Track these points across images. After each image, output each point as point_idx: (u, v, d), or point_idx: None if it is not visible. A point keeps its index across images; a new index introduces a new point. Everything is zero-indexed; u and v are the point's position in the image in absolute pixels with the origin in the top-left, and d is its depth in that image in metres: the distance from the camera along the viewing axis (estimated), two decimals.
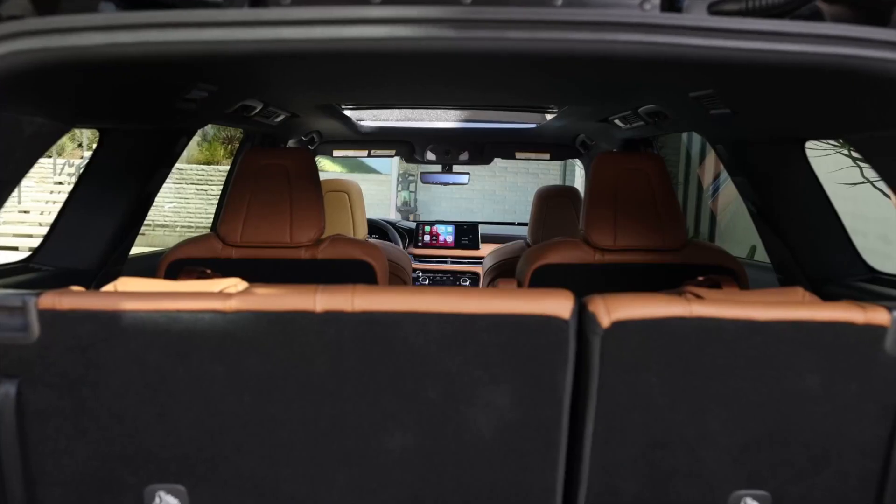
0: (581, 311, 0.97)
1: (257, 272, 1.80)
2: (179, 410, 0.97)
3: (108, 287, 1.04)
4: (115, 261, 1.78)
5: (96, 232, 1.71)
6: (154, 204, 1.98)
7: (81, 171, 1.74)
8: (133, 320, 0.93)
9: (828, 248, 1.74)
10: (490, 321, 0.95)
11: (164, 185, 1.96)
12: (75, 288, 0.99)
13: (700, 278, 1.14)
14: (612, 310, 0.94)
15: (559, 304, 0.95)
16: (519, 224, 4.62)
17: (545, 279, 1.83)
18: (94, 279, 1.72)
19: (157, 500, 1.00)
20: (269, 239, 1.79)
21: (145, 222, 1.96)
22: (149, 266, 1.87)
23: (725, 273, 1.83)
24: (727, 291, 1.04)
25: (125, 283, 1.04)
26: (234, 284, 1.04)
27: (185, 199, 13.05)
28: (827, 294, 1.70)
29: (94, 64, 0.97)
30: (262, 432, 0.98)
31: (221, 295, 0.96)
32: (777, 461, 0.97)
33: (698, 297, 0.99)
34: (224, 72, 1.61)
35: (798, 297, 1.05)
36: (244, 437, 0.98)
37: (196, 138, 14.36)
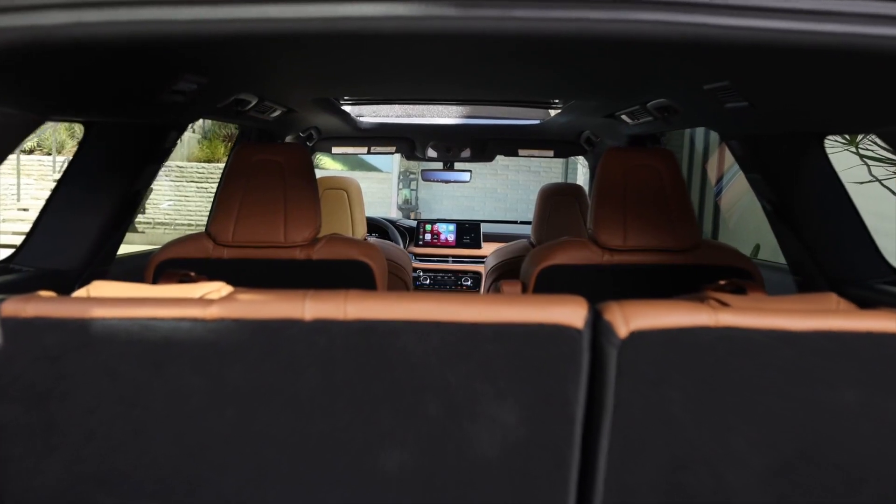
0: (595, 320, 0.89)
1: (250, 273, 1.72)
2: (156, 426, 0.89)
3: (81, 292, 0.95)
4: (100, 261, 1.71)
5: (80, 231, 1.63)
6: (153, 202, 1.91)
7: (65, 167, 1.65)
8: (104, 328, 0.85)
9: (848, 247, 1.66)
10: (496, 330, 0.87)
11: (164, 183, 1.88)
12: (44, 293, 0.91)
13: (722, 282, 1.05)
14: (631, 318, 0.86)
15: (572, 312, 0.87)
16: (522, 223, 4.53)
17: (551, 280, 1.75)
18: (78, 280, 1.64)
19: None
20: (263, 238, 1.71)
21: (145, 220, 1.88)
22: (137, 266, 1.79)
23: (740, 275, 1.74)
24: (753, 297, 0.95)
25: (99, 288, 0.96)
26: (217, 289, 0.96)
27: (186, 197, 12.98)
28: (849, 296, 1.61)
29: (61, 48, 0.89)
30: (247, 450, 0.90)
31: (201, 301, 0.88)
32: (810, 484, 0.88)
33: (723, 303, 0.91)
34: (214, 63, 1.53)
35: (832, 305, 0.97)
36: (227, 455, 0.90)
37: (196, 136, 14.28)
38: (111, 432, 0.89)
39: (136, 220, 12.06)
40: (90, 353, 0.86)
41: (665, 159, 1.76)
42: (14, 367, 0.86)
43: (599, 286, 1.74)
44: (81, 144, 1.63)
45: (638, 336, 0.85)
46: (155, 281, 1.74)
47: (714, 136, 5.97)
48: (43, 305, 0.86)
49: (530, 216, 3.08)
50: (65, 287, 1.62)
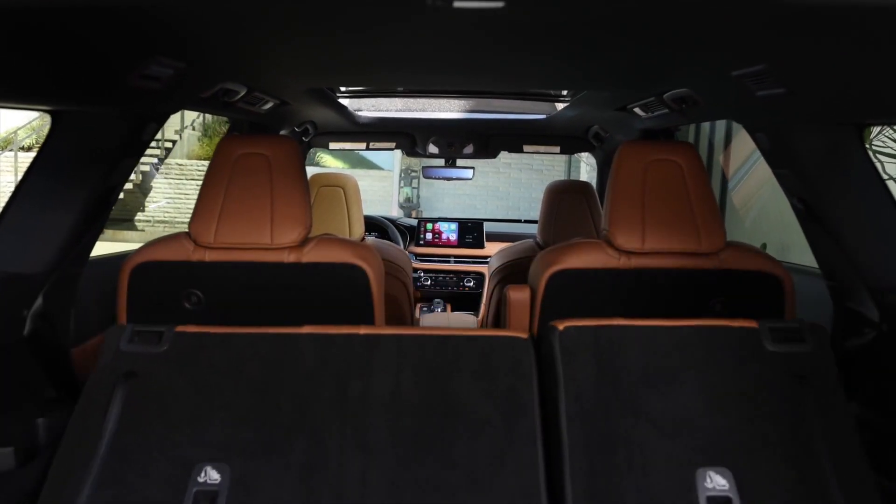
0: None
1: (233, 278, 1.58)
2: None
3: None
4: (71, 263, 1.56)
5: (47, 231, 1.48)
6: (152, 200, 1.76)
7: (32, 161, 1.51)
8: None
9: (890, 251, 1.51)
10: None
11: (164, 180, 1.74)
12: None
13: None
14: None
15: None
16: (526, 221, 4.39)
17: (563, 286, 1.60)
18: (45, 284, 1.49)
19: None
20: (247, 240, 1.57)
21: (144, 218, 1.74)
22: (112, 269, 1.65)
23: (769, 281, 1.60)
24: None
25: None
26: None
27: (186, 195, 12.85)
28: (891, 305, 1.47)
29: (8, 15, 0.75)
30: None
31: None
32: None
33: None
34: (194, 46, 1.39)
35: None
36: None
37: (196, 133, 14.14)
38: None
39: (136, 218, 11.95)
40: None
41: (687, 153, 1.62)
42: None
43: (616, 293, 1.60)
44: (49, 136, 1.48)
45: None
46: (130, 285, 1.60)
47: (721, 132, 5.82)
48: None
49: (533, 214, 2.94)
50: (30, 291, 1.48)
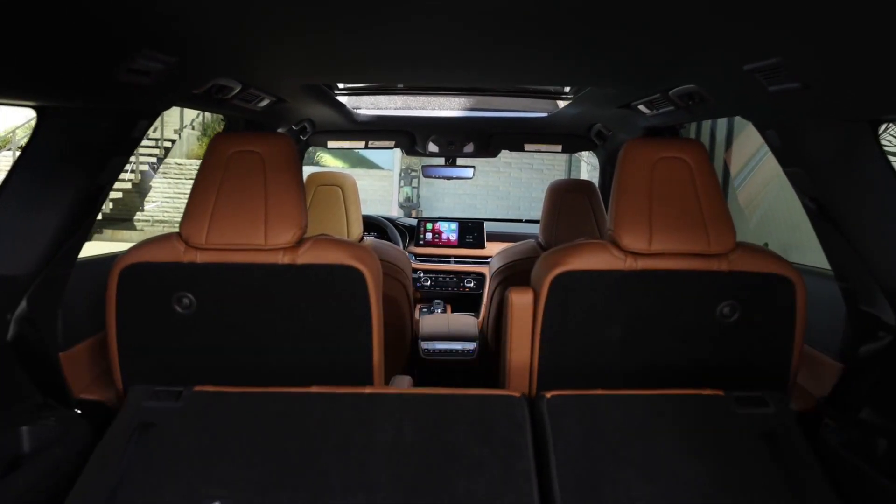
0: None
1: (226, 280, 1.53)
2: None
3: None
4: (57, 264, 1.51)
5: (33, 231, 1.43)
6: (151, 199, 1.71)
7: (16, 158, 1.45)
8: None
9: None
10: None
11: (163, 180, 1.68)
12: None
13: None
14: None
15: None
16: (528, 221, 4.33)
17: (567, 289, 1.55)
18: (30, 286, 1.44)
19: None
20: (240, 241, 1.52)
21: (144, 218, 1.69)
22: (101, 271, 1.59)
23: (780, 283, 1.54)
24: None
25: None
26: None
27: (184, 195, 12.79)
28: None
29: None
30: None
31: None
32: None
33: None
34: (184, 39, 1.33)
35: None
36: None
37: (196, 133, 14.09)
38: None
39: (135, 217, 11.89)
40: None
41: (695, 151, 1.57)
42: None
43: (622, 295, 1.54)
44: (34, 133, 1.43)
45: None
46: (119, 288, 1.54)
47: (723, 130, 5.76)
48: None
49: (533, 214, 2.89)
50: (14, 293, 1.42)
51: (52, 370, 1.59)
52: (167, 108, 1.70)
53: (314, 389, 1.55)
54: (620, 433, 1.47)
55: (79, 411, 1.63)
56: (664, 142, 1.59)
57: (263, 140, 1.56)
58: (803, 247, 4.23)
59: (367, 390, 1.56)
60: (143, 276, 1.53)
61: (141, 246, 1.57)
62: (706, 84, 1.66)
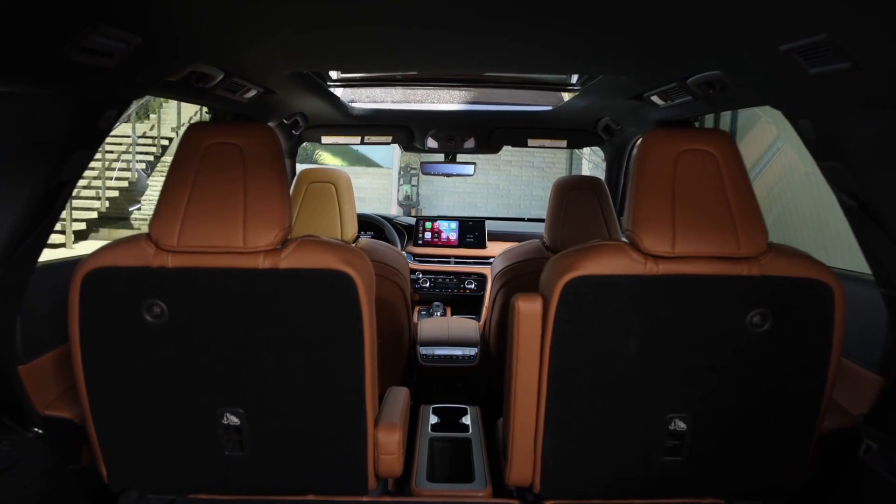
0: None
1: (201, 287, 1.38)
2: None
3: None
4: (14, 270, 1.36)
5: None
6: (148, 198, 1.55)
7: None
8: None
9: None
10: None
11: (160, 178, 1.52)
12: None
13: None
14: None
15: None
16: (530, 220, 4.18)
17: (581, 295, 1.39)
18: None
19: None
20: (216, 242, 1.37)
21: (139, 217, 1.53)
22: (63, 276, 1.44)
23: (817, 288, 1.39)
24: None
25: None
26: None
27: None
28: None
29: None
30: None
31: None
32: None
33: None
34: (145, 15, 1.18)
35: None
36: None
37: None
38: None
39: (132, 216, 11.72)
40: None
41: (722, 142, 1.41)
42: None
43: (643, 303, 1.39)
44: None
45: None
46: (83, 295, 1.39)
47: (725, 126, 5.60)
48: None
49: (533, 212, 2.74)
50: None
51: (11, 385, 1.44)
52: (138, 95, 1.54)
53: (310, 497, 1.56)
54: None
55: (40, 430, 1.48)
56: (687, 133, 1.44)
57: (243, 131, 1.41)
58: (822, 248, 4.09)
59: (365, 499, 1.57)
60: (109, 283, 1.38)
61: (106, 249, 1.41)
62: (732, 69, 1.50)
